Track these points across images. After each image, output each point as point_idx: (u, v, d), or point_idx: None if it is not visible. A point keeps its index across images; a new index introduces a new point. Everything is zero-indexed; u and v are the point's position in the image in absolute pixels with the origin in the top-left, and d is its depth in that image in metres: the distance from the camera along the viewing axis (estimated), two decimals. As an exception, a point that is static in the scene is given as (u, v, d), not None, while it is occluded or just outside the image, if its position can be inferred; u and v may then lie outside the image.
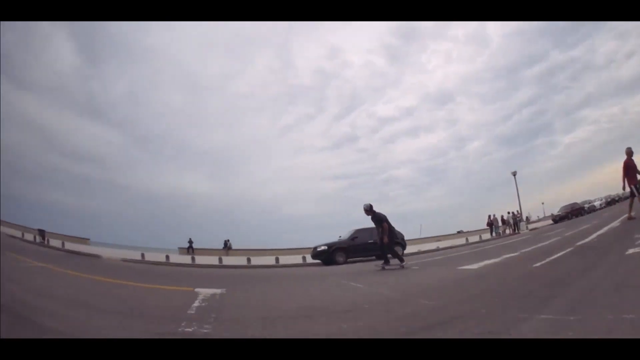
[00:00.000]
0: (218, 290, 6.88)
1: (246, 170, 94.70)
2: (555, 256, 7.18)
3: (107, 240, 35.90)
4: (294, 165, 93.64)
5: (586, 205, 34.87)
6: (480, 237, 25.47)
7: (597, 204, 37.47)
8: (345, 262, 15.28)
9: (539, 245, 10.92)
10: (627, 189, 10.85)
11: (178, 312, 4.65)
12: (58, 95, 75.59)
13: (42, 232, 23.38)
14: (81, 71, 75.80)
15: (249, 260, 19.95)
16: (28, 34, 68.87)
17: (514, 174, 32.68)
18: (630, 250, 5.63)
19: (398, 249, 15.53)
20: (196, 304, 5.27)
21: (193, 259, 19.11)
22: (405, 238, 18.11)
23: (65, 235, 30.70)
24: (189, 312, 4.68)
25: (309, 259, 17.80)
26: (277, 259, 20.20)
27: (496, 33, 74.46)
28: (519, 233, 25.05)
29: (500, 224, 27.62)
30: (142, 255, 18.85)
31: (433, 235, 35.70)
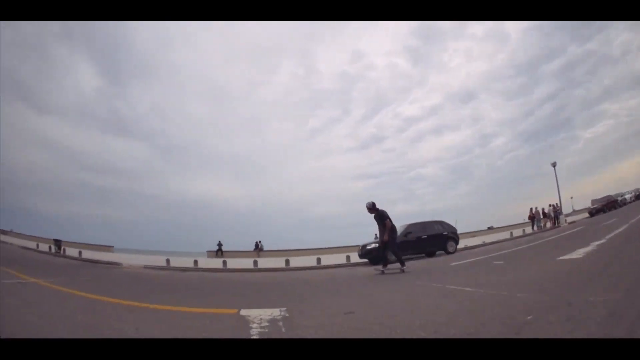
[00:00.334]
0: (276, 311, 4.46)
1: (274, 174, 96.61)
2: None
3: (133, 247, 34.22)
4: (322, 167, 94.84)
5: (619, 198, 34.31)
6: (524, 231, 24.04)
7: (627, 197, 36.85)
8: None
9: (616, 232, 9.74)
10: None
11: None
12: (82, 115, 79.05)
13: (58, 242, 21.12)
14: (105, 91, 79.45)
15: (287, 262, 16.98)
16: (48, 62, 72.30)
17: (554, 164, 30.41)
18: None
19: (451, 244, 15.02)
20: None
21: (224, 262, 16.21)
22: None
23: (87, 244, 29.09)
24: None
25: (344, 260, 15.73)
26: (318, 260, 17.29)
27: (514, 29, 73.43)
28: (559, 226, 24.02)
29: (541, 217, 26.34)
30: (167, 260, 16.09)
31: (465, 231, 33.37)
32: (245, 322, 3.87)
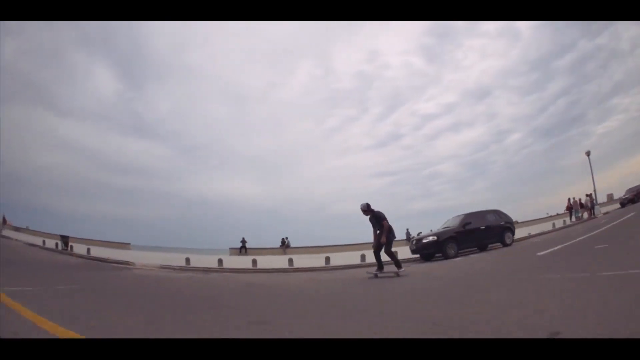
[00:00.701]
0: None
1: (293, 173, 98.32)
2: None
3: (152, 245, 31.94)
4: (341, 165, 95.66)
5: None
6: (565, 222, 23.20)
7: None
8: (456, 256, 12.04)
9: None
10: None
11: None
12: (102, 118, 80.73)
13: (65, 238, 18.65)
14: (124, 95, 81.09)
15: (327, 259, 14.01)
16: (67, 67, 74.26)
17: (588, 153, 28.58)
18: None
19: (509, 235, 13.64)
20: None
21: (254, 261, 13.25)
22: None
23: (103, 241, 26.73)
24: None
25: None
26: (362, 257, 14.18)
27: (525, 26, 73.80)
28: (595, 217, 23.11)
29: (579, 207, 25.57)
30: (187, 260, 13.24)
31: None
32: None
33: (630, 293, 3.43)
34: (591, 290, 3.83)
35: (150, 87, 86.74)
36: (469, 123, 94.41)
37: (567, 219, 24.68)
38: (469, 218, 13.33)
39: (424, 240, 12.72)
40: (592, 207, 24.96)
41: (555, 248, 9.25)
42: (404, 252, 13.27)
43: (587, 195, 25.78)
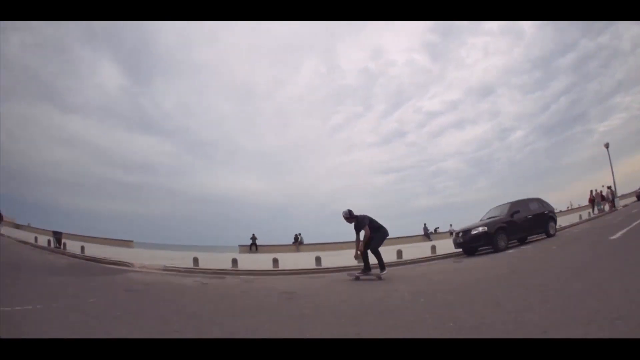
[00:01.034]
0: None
1: (299, 170, 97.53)
2: None
3: (157, 242, 29.80)
4: (346, 162, 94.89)
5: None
6: (590, 214, 22.65)
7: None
8: (507, 248, 10.84)
9: None
10: None
11: None
12: (107, 114, 79.27)
13: (57, 235, 16.34)
14: (130, 90, 79.68)
15: (400, 253, 11.64)
16: (72, 62, 72.64)
17: (607, 145, 27.08)
18: None
19: (552, 225, 12.53)
20: None
21: (276, 261, 10.90)
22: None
23: (103, 238, 24.52)
24: None
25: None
26: (399, 252, 12.01)
27: (528, 24, 73.51)
28: (616, 209, 22.79)
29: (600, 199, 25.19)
30: (195, 260, 10.92)
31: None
32: None
33: None
34: None
35: (156, 83, 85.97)
36: (472, 120, 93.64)
37: (590, 212, 24.05)
38: (516, 206, 11.93)
39: (473, 232, 10.99)
40: (613, 199, 24.56)
41: (621, 233, 8.65)
42: (424, 248, 12.59)
43: (607, 188, 25.11)
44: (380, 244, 7.45)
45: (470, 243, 11.10)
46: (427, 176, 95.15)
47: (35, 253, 13.92)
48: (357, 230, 7.58)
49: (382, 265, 7.35)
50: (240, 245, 25.98)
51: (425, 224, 27.80)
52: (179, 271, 9.76)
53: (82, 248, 14.53)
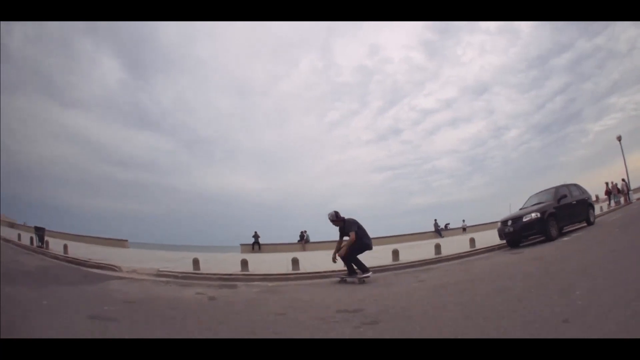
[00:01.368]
0: None
1: (297, 167, 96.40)
2: None
3: (154, 241, 27.67)
4: (342, 159, 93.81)
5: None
6: (602, 208, 20.75)
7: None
8: (558, 237, 9.58)
9: None
10: None
11: None
12: (106, 109, 77.44)
13: (40, 231, 14.16)
14: (129, 84, 78.01)
15: (396, 254, 9.64)
16: (73, 56, 70.81)
17: (619, 138, 26.03)
18: None
19: (592, 212, 11.62)
20: None
21: (296, 262, 8.87)
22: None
23: (95, 238, 22.30)
24: None
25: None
26: (438, 248, 10.40)
27: (525, 24, 72.77)
28: (631, 202, 22.47)
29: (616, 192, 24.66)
30: (196, 262, 8.77)
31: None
32: None
33: None
34: None
35: (154, 78, 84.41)
36: (467, 119, 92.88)
37: (608, 204, 23.60)
38: (562, 191, 10.81)
39: (525, 219, 9.69)
40: (628, 192, 24.25)
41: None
42: (461, 243, 11.28)
43: (622, 180, 24.50)
44: (358, 253, 6.90)
45: (522, 232, 9.77)
46: (422, 174, 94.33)
47: (9, 253, 11.78)
48: (342, 234, 7.07)
49: (365, 269, 6.86)
50: (242, 244, 23.89)
51: (435, 220, 26.25)
52: (176, 277, 7.70)
53: (65, 247, 12.40)
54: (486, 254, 9.76)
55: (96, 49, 71.55)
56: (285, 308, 4.60)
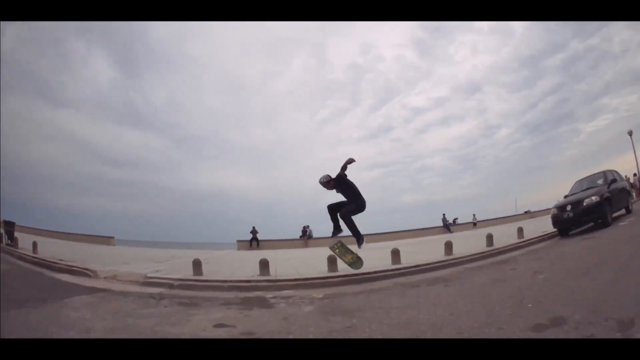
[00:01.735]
0: None
1: (288, 165, 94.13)
2: None
3: (145, 239, 25.16)
4: (334, 157, 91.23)
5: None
6: None
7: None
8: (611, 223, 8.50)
9: None
10: None
11: None
12: (98, 108, 73.99)
13: (9, 226, 11.71)
14: (119, 83, 74.29)
15: (449, 246, 7.83)
16: (64, 55, 67.30)
17: (630, 133, 24.51)
18: None
19: (630, 200, 10.94)
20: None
21: (333, 261, 6.69)
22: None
23: (79, 235, 19.47)
24: None
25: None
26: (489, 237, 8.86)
27: (519, 24, 71.10)
28: None
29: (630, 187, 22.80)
30: (197, 263, 6.46)
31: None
32: None
33: None
34: None
35: (146, 76, 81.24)
36: (458, 117, 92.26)
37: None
38: (611, 175, 9.81)
39: (586, 202, 8.52)
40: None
41: None
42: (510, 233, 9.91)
43: (634, 175, 23.58)
44: (353, 214, 5.67)
45: (582, 217, 8.71)
46: (412, 172, 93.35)
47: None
48: (343, 189, 5.68)
49: (358, 236, 5.62)
50: (239, 241, 21.53)
51: (444, 215, 24.43)
52: (171, 286, 5.48)
53: (35, 245, 9.98)
54: (543, 244, 8.82)
55: (88, 48, 68.75)
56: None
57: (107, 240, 19.90)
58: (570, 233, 9.17)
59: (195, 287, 5.45)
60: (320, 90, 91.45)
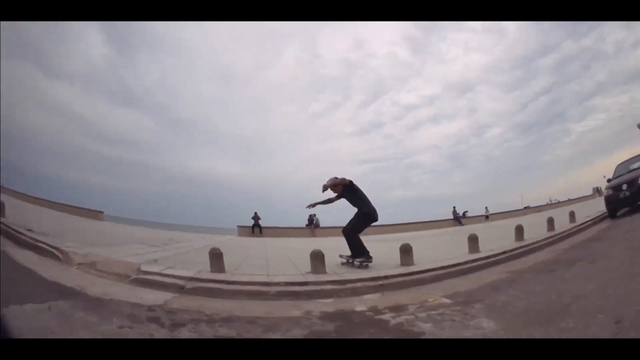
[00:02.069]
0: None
1: (277, 156, 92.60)
2: None
3: (136, 217, 22.92)
4: (324, 150, 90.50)
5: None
6: None
7: None
8: None
9: None
10: None
11: None
12: (90, 83, 71.93)
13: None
14: (113, 61, 72.35)
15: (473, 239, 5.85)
16: (61, 30, 65.39)
17: None
18: None
19: None
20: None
21: (408, 252, 4.70)
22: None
23: (66, 205, 17.09)
24: None
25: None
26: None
27: (512, 24, 69.65)
28: None
29: None
30: (217, 255, 4.35)
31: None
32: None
33: None
34: None
35: (138, 56, 79.01)
36: (450, 116, 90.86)
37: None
38: None
39: None
40: None
41: None
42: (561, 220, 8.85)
43: None
44: (362, 228, 5.32)
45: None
46: (402, 168, 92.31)
47: None
48: (351, 197, 5.33)
49: (362, 251, 5.06)
50: (240, 226, 19.53)
51: (454, 207, 23.08)
52: (181, 289, 3.43)
53: (1, 207, 7.76)
54: (601, 225, 8.45)
55: (84, 24, 66.55)
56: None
57: (95, 214, 17.69)
58: (617, 214, 8.96)
59: (222, 293, 3.32)
60: (312, 84, 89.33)
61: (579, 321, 2.26)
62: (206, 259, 4.32)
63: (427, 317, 2.77)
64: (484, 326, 2.46)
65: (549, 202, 32.62)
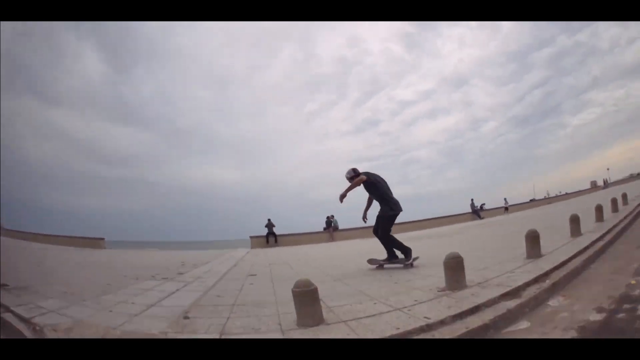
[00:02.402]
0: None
1: (275, 158, 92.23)
2: None
3: (138, 239, 21.28)
4: (320, 150, 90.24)
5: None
6: None
7: None
8: None
9: None
10: None
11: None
12: (89, 104, 71.35)
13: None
14: (109, 78, 72.45)
15: None
16: (56, 52, 64.81)
17: None
18: None
19: None
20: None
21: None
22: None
23: (64, 237, 15.58)
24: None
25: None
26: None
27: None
28: None
29: None
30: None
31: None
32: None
33: None
34: None
35: (135, 70, 78.68)
36: (445, 110, 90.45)
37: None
38: None
39: None
40: None
41: None
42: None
43: None
44: (389, 226, 5.00)
45: None
46: (399, 165, 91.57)
47: None
48: (373, 192, 5.15)
49: (404, 250, 4.86)
50: (252, 237, 17.42)
51: (472, 200, 21.58)
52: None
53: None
54: None
55: (78, 44, 65.66)
56: None
57: (95, 242, 15.80)
58: None
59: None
60: (307, 83, 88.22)
61: None
62: (251, 290, 3.46)
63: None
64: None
65: (547, 196, 31.88)
